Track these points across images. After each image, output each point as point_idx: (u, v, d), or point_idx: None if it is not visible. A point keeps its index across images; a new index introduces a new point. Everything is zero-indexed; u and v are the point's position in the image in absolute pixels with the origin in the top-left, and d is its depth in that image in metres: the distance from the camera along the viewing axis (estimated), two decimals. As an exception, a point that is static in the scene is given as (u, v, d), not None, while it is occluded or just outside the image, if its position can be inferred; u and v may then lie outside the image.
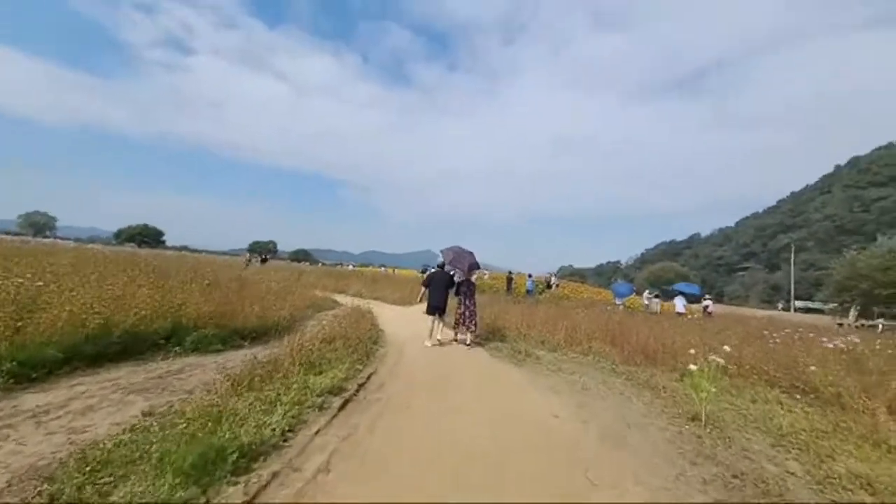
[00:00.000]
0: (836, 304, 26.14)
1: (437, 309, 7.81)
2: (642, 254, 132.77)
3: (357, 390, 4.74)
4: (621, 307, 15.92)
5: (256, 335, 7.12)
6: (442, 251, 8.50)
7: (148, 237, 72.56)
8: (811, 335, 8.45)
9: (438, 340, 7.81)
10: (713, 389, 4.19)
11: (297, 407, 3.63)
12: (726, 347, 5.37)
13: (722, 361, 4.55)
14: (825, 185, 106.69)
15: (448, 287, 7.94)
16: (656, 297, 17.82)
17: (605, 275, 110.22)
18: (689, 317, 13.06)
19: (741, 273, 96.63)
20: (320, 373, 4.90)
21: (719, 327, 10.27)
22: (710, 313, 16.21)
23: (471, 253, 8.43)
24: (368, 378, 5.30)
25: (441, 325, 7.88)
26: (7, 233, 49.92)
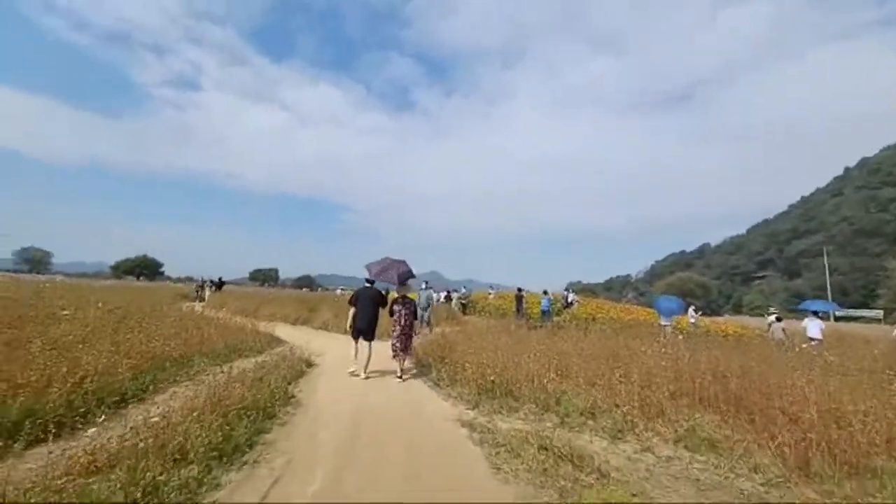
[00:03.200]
0: None
1: (360, 332, 6.65)
2: (652, 266, 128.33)
3: None
4: (669, 328, 12.00)
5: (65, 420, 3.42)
6: (367, 266, 7.31)
7: (147, 268, 72.52)
8: None
9: (361, 372, 6.37)
10: None
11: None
12: None
13: None
14: (836, 187, 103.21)
15: (377, 305, 6.77)
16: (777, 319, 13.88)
17: (616, 289, 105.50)
18: (806, 346, 8.79)
19: (758, 281, 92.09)
20: None
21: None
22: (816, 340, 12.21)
23: (402, 262, 7.41)
24: None
25: (368, 351, 6.61)
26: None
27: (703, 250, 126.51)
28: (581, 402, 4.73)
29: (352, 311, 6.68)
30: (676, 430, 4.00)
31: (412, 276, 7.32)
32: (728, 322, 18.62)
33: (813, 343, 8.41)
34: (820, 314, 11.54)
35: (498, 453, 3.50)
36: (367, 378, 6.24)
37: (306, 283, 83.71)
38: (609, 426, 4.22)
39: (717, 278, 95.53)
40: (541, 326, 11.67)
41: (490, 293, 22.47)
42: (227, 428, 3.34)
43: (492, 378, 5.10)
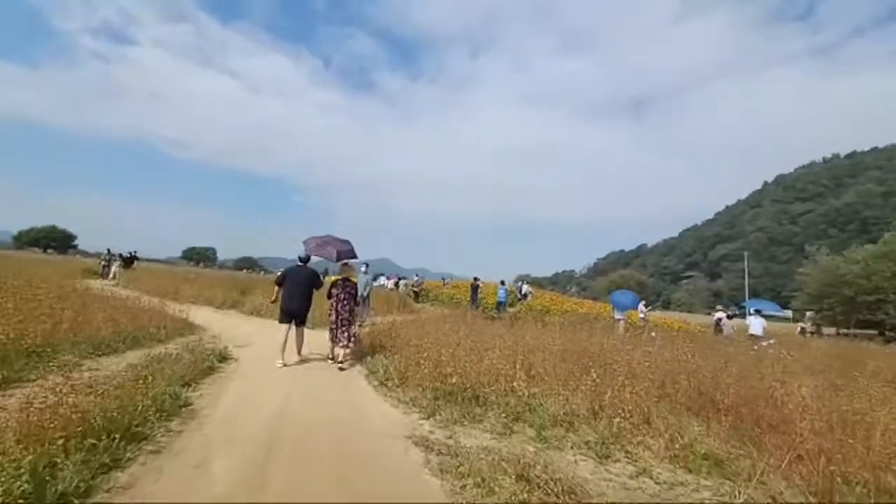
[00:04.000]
0: (813, 312, 24.45)
1: (291, 315, 5.98)
2: (595, 263, 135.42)
3: None
4: (622, 323, 11.94)
5: None
6: (306, 241, 6.64)
7: (56, 240, 65.83)
8: None
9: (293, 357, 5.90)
10: None
11: None
12: None
13: None
14: (755, 200, 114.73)
15: (310, 286, 6.10)
16: (648, 310, 14.22)
17: (561, 283, 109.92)
18: (766, 344, 8.76)
19: (685, 281, 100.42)
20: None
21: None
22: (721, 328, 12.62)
23: (346, 241, 6.79)
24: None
25: (300, 337, 6.11)
26: None
27: (640, 250, 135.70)
28: (556, 409, 3.97)
29: (276, 290, 6.16)
30: (670, 445, 3.35)
31: (353, 256, 6.75)
32: (671, 318, 19.42)
33: (764, 343, 8.45)
34: (762, 313, 12.00)
35: (465, 487, 2.60)
36: (301, 361, 5.78)
37: (248, 264, 77.79)
38: (593, 440, 3.48)
39: (651, 276, 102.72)
40: (497, 317, 11.02)
41: (443, 282, 21.74)
42: (43, 470, 2.09)
43: (453, 380, 4.17)
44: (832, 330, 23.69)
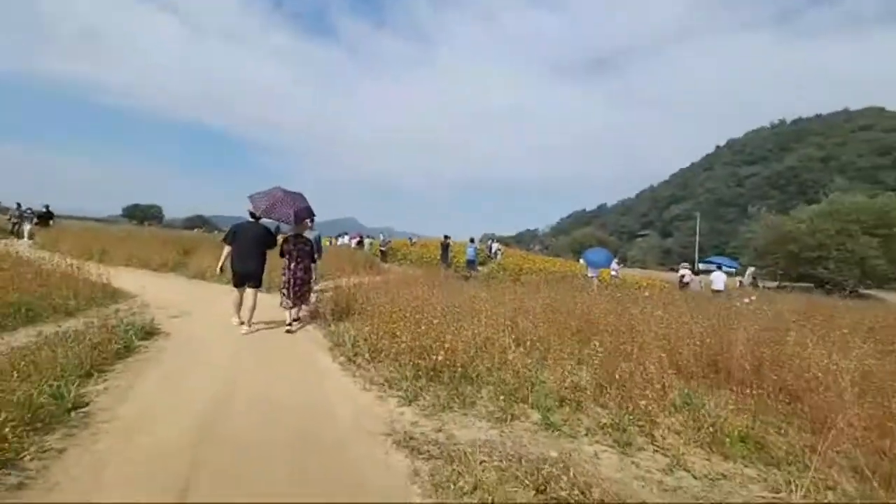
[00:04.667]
0: (755, 268, 26.11)
1: (245, 277, 5.40)
2: (558, 222, 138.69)
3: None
4: (595, 281, 11.76)
5: None
6: (251, 196, 5.74)
7: None
8: None
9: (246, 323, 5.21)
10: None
11: None
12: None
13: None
14: (708, 163, 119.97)
15: (263, 244, 5.50)
16: (616, 267, 14.28)
17: (525, 242, 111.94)
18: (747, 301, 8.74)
19: (639, 239, 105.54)
20: None
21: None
22: (686, 284, 12.84)
23: (299, 195, 5.99)
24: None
25: (253, 301, 5.31)
26: None
27: (601, 210, 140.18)
28: (557, 384, 3.39)
29: (226, 250, 5.50)
30: (695, 426, 2.86)
31: (312, 214, 6.00)
32: (635, 274, 19.89)
33: (746, 300, 8.41)
34: (723, 268, 12.22)
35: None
36: (250, 332, 5.10)
37: (198, 223, 72.06)
38: (608, 422, 2.93)
39: (610, 234, 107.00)
40: (470, 277, 10.42)
41: (410, 241, 20.86)
42: None
43: (439, 355, 3.44)
44: (773, 283, 25.41)
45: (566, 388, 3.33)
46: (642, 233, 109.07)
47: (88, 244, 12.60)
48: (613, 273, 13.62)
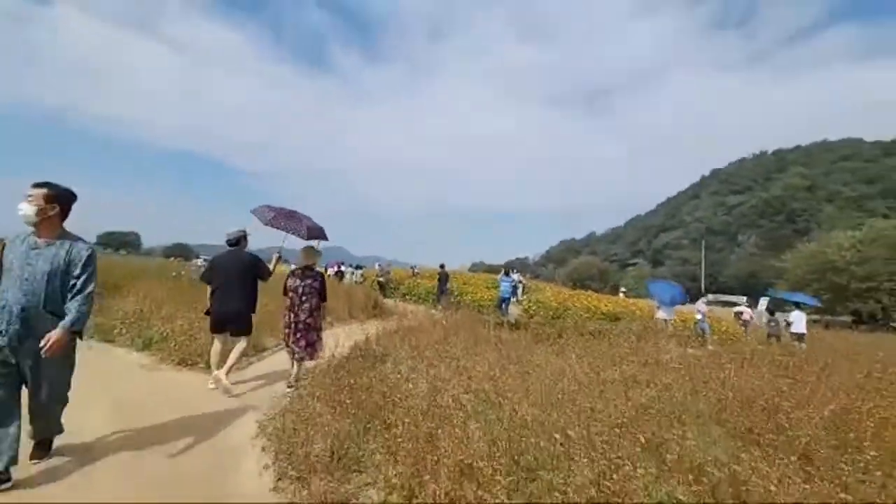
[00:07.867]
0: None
1: (223, 322, 4.20)
2: (547, 251, 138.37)
3: None
4: (670, 327, 9.02)
5: None
6: (255, 210, 4.70)
7: None
8: None
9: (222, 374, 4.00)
10: None
11: None
12: None
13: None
14: (694, 192, 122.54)
15: (251, 276, 4.26)
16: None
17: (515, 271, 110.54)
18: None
19: (630, 268, 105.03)
20: None
21: None
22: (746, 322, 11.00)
23: (309, 217, 4.85)
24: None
25: (237, 350, 4.16)
26: None
27: (589, 238, 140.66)
28: None
29: (209, 290, 4.41)
30: None
31: (325, 237, 4.90)
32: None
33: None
34: (802, 306, 10.40)
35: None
36: (235, 393, 3.96)
37: (179, 251, 68.43)
38: None
39: (602, 262, 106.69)
40: (504, 323, 8.32)
41: (413, 271, 18.77)
42: None
43: None
44: (811, 318, 23.56)
45: None
46: (633, 261, 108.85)
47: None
48: (699, 317, 10.07)
